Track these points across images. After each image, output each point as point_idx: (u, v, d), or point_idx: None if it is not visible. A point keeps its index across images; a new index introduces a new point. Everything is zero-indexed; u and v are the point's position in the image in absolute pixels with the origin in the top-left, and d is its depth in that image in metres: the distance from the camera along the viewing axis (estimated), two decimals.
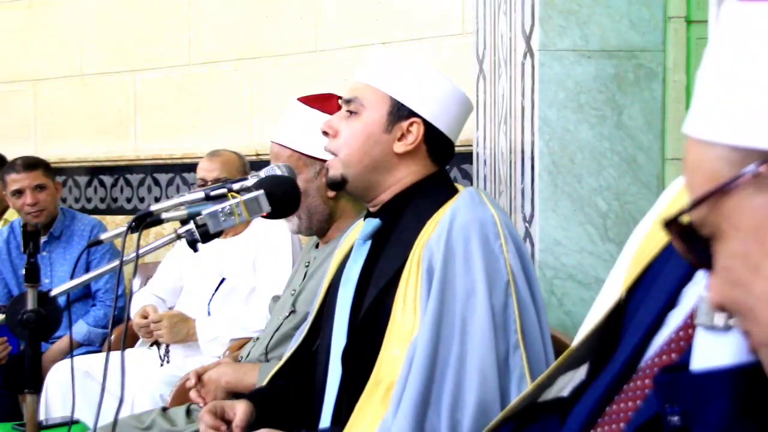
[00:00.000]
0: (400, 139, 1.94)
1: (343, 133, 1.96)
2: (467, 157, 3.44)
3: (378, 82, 1.96)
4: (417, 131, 1.94)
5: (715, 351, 0.97)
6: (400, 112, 1.94)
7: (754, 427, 0.92)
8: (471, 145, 3.30)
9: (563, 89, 2.70)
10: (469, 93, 3.27)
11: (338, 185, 1.98)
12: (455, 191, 1.93)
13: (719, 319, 0.96)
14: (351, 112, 1.96)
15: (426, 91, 1.95)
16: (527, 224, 2.77)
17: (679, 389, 0.97)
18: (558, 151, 2.70)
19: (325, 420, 1.95)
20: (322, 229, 2.56)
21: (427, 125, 1.94)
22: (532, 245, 2.73)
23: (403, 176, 1.96)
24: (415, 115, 1.94)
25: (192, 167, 3.74)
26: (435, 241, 1.81)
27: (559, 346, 2.08)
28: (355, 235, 2.04)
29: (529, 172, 2.74)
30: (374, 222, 1.96)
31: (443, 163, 2.01)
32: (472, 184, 3.36)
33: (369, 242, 1.97)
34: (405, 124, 1.94)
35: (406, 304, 1.81)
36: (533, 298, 1.84)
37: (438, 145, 1.97)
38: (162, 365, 3.33)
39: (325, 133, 2.00)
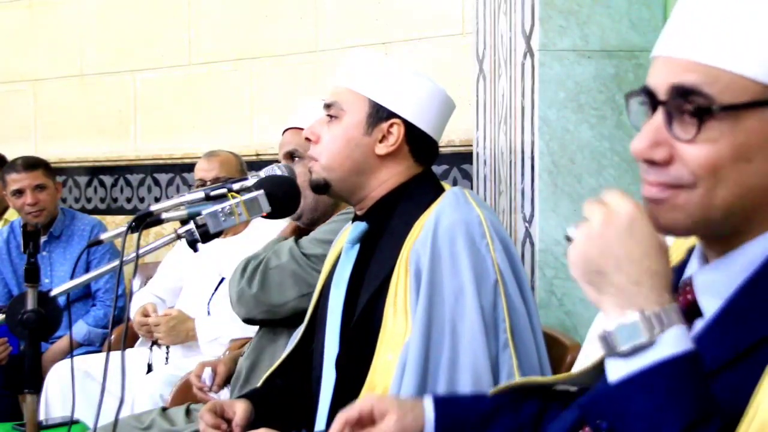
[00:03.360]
0: (381, 141, 1.94)
1: (324, 138, 1.96)
2: (467, 157, 3.44)
3: (356, 85, 1.95)
4: (397, 132, 1.93)
5: (618, 370, 1.02)
6: (379, 114, 1.93)
7: (679, 419, 0.97)
8: (471, 145, 3.30)
9: (563, 89, 2.70)
10: (469, 93, 3.28)
11: (322, 188, 1.98)
12: (441, 191, 1.93)
13: (621, 346, 1.02)
14: (331, 117, 1.96)
15: (405, 91, 1.94)
16: (527, 224, 2.77)
17: (599, 405, 1.04)
18: (558, 151, 2.70)
19: (320, 424, 1.94)
20: (326, 213, 2.56)
21: (408, 125, 1.94)
22: (532, 245, 2.73)
23: (387, 178, 1.95)
24: (394, 115, 1.93)
25: (192, 167, 3.74)
26: (421, 244, 1.81)
27: (559, 346, 2.08)
28: (345, 239, 2.04)
29: (529, 172, 2.74)
30: (361, 226, 1.96)
31: (428, 163, 2.00)
32: (472, 184, 3.36)
33: (357, 246, 1.97)
34: (385, 125, 1.93)
35: (397, 309, 1.81)
36: (523, 296, 1.84)
37: (421, 145, 1.96)
38: (150, 370, 3.32)
39: (308, 140, 2.00)
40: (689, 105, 1.06)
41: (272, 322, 2.49)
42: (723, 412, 0.98)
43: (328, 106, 1.97)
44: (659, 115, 1.09)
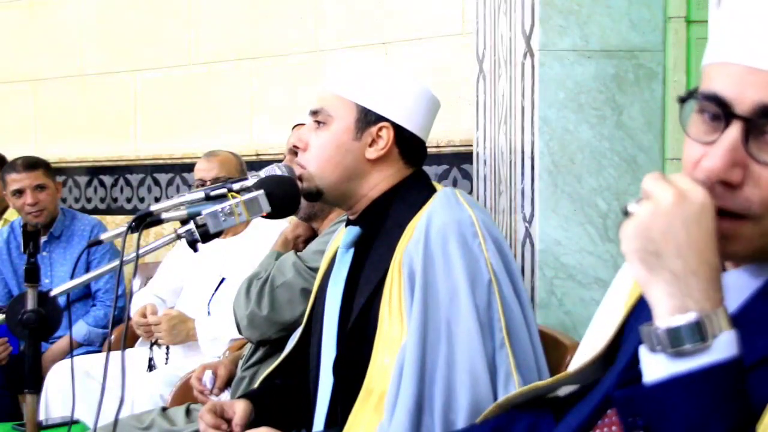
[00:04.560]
0: (370, 145, 1.93)
1: (313, 145, 1.94)
2: (467, 157, 3.44)
3: (343, 90, 1.94)
4: (387, 135, 1.92)
5: (659, 368, 0.99)
6: (367, 118, 1.92)
7: (722, 427, 0.94)
8: (471, 145, 3.30)
9: (563, 89, 2.70)
10: (469, 93, 3.29)
11: (314, 196, 1.97)
12: (433, 192, 1.93)
13: (673, 346, 0.98)
14: (319, 123, 1.95)
15: (392, 94, 1.93)
16: (527, 224, 2.77)
17: (638, 403, 1.00)
18: (558, 151, 2.70)
19: (319, 425, 1.94)
20: (323, 209, 2.56)
21: (397, 128, 1.93)
22: (532, 245, 2.73)
23: (378, 182, 1.95)
24: (383, 119, 1.93)
25: (192, 167, 3.74)
26: (413, 246, 1.81)
27: (558, 346, 2.08)
28: (339, 242, 2.03)
29: (529, 172, 2.74)
30: (355, 230, 1.96)
31: (418, 164, 2.00)
32: (472, 184, 3.36)
33: (352, 250, 1.96)
34: (374, 129, 1.92)
35: (392, 312, 1.80)
36: (517, 295, 1.83)
37: (410, 147, 1.96)
38: (151, 370, 3.32)
39: (296, 147, 1.99)
40: None
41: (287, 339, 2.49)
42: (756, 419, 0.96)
43: (314, 113, 1.95)
44: (735, 130, 1.01)
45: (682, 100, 1.06)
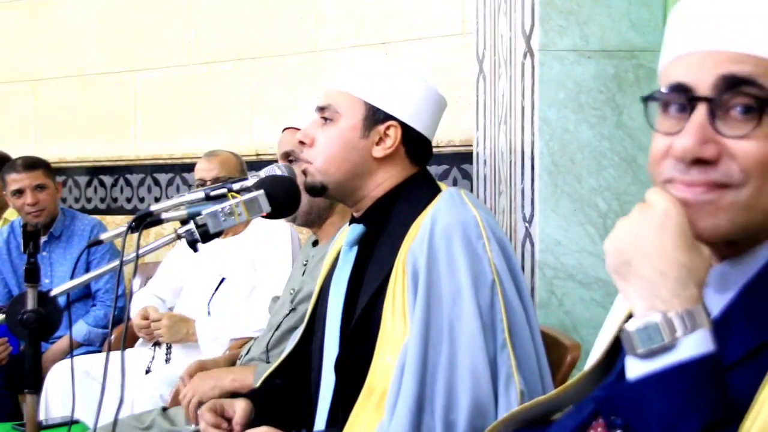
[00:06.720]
0: (378, 144, 1.93)
1: (320, 141, 1.94)
2: (467, 157, 3.44)
3: (351, 88, 1.94)
4: (394, 134, 1.92)
5: (636, 368, 1.02)
6: (375, 117, 1.92)
7: (697, 420, 0.96)
8: (471, 145, 3.30)
9: (563, 89, 2.70)
10: (469, 93, 3.29)
11: (318, 191, 1.97)
12: (438, 192, 1.92)
13: (639, 348, 1.01)
14: (326, 119, 1.94)
15: (400, 93, 1.93)
16: (527, 224, 2.77)
17: (615, 401, 1.03)
18: (558, 151, 2.70)
19: (320, 424, 1.94)
20: (321, 215, 2.55)
21: (404, 127, 1.93)
22: (532, 245, 2.73)
23: (384, 180, 1.95)
24: (391, 118, 1.92)
25: (192, 167, 3.74)
26: (418, 245, 1.81)
27: (559, 346, 2.08)
28: (343, 240, 2.03)
29: (529, 172, 2.74)
30: (358, 228, 1.96)
31: (423, 163, 2.00)
32: (472, 184, 3.36)
33: (355, 248, 1.96)
34: (382, 128, 1.92)
35: (395, 311, 1.80)
36: (520, 296, 1.83)
37: (417, 146, 1.96)
38: (149, 372, 3.32)
39: (302, 143, 1.99)
40: (743, 98, 1.02)
41: None
42: (738, 416, 0.97)
43: (321, 109, 1.95)
44: (701, 111, 1.04)
45: (646, 100, 1.10)
